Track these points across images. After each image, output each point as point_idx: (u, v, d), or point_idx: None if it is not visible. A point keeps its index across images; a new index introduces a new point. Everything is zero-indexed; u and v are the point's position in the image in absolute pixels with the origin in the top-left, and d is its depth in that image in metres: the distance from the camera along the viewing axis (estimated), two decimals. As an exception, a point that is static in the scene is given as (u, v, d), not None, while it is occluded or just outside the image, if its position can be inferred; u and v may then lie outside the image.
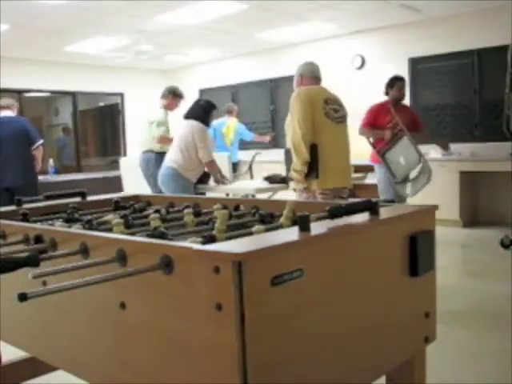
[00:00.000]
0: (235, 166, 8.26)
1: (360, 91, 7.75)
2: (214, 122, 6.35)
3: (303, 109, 3.50)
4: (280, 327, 1.08)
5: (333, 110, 3.63)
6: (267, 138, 8.47)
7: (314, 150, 3.52)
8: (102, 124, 11.82)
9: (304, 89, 3.65)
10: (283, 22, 7.25)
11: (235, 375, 1.01)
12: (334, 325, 1.22)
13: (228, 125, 7.73)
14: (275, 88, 9.23)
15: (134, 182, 6.07)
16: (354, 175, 7.12)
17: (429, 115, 7.39)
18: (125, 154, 10.48)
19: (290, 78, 8.76)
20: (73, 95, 9.83)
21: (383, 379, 1.50)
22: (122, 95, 10.44)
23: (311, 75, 3.80)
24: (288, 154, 3.79)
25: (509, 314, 3.32)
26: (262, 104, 9.41)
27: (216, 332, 1.04)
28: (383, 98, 5.27)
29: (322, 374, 1.18)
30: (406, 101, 7.52)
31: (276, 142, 9.19)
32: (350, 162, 3.79)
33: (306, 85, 3.73)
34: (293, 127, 3.52)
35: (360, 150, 5.08)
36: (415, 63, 7.49)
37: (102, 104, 11.45)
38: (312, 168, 3.53)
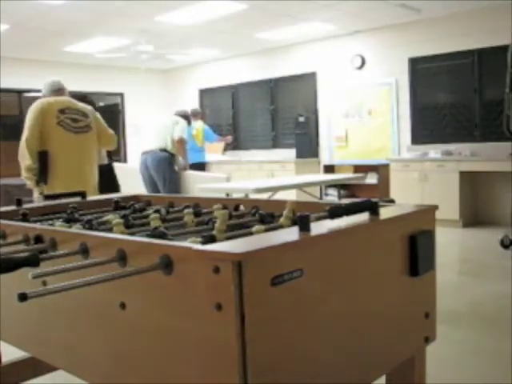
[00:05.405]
0: (203, 166, 8.32)
1: (360, 91, 7.78)
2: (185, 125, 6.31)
3: (32, 118, 3.62)
4: (280, 327, 1.08)
5: (70, 120, 3.73)
6: (229, 139, 8.99)
7: (44, 156, 3.62)
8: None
9: (38, 101, 3.78)
10: (283, 22, 7.25)
11: (235, 375, 1.01)
12: (334, 325, 1.22)
13: (197, 128, 7.99)
14: (275, 88, 9.23)
15: (129, 186, 6.06)
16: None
17: (428, 115, 7.39)
18: (125, 154, 10.47)
19: (290, 78, 8.95)
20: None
21: (383, 379, 1.50)
22: (121, 95, 10.44)
23: (50, 89, 3.91)
24: None
25: (509, 314, 3.31)
26: (262, 104, 9.41)
27: (216, 332, 1.04)
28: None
29: (322, 373, 1.18)
30: (405, 101, 7.56)
31: (276, 142, 9.20)
32: (85, 169, 3.82)
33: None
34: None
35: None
36: (415, 63, 7.48)
37: (101, 104, 11.44)
38: (42, 173, 3.62)
